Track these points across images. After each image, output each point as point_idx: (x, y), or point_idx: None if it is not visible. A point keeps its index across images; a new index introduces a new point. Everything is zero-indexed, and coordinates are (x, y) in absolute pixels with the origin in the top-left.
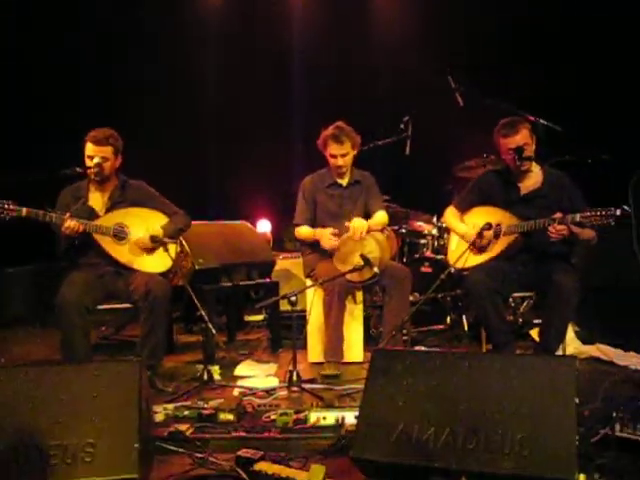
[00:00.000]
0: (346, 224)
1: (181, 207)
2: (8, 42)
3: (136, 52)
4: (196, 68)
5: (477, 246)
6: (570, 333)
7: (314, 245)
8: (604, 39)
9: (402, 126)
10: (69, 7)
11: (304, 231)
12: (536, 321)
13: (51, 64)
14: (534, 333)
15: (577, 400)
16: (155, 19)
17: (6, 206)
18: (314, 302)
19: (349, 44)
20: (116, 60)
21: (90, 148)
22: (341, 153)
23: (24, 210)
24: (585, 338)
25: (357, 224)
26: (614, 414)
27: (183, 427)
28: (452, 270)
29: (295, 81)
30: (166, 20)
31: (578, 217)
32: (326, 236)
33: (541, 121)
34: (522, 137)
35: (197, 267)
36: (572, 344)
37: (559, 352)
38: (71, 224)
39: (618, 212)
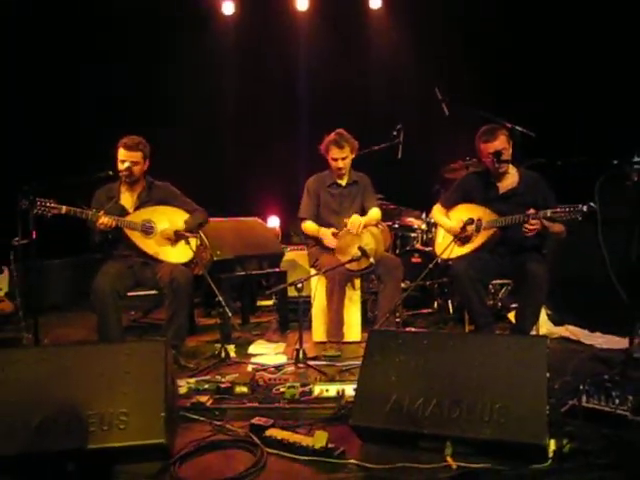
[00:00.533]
0: (345, 221)
1: (200, 205)
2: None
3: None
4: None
5: (461, 239)
6: (543, 316)
7: (318, 239)
8: (575, 51)
9: (395, 133)
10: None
11: (309, 226)
12: (513, 305)
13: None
14: (511, 316)
15: (548, 375)
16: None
17: (48, 204)
18: (318, 289)
19: (350, 60)
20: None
21: (122, 153)
22: (341, 156)
23: (64, 208)
24: (556, 320)
25: (355, 220)
26: (581, 387)
27: (203, 398)
28: (439, 260)
29: (301, 94)
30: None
31: (549, 212)
32: (328, 236)
33: (517, 128)
34: (500, 142)
35: (215, 258)
36: (544, 325)
37: (533, 332)
38: (105, 220)
39: (585, 208)
